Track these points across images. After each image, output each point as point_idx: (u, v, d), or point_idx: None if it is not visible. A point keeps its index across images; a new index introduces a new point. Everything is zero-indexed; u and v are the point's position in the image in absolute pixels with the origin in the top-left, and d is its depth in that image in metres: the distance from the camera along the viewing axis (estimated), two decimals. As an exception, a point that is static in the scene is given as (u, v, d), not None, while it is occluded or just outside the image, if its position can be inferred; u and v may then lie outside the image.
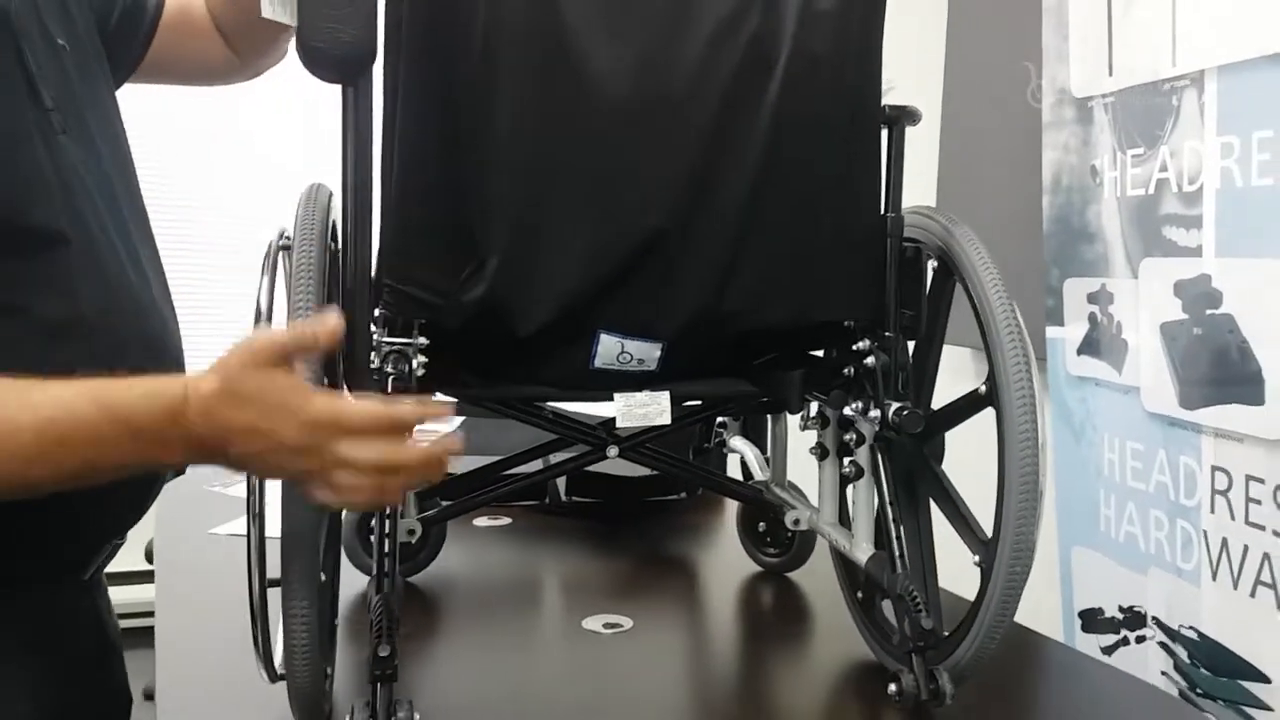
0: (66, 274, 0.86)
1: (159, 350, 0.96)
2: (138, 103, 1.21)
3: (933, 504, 1.01)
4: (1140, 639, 1.48)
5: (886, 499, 0.98)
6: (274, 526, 0.78)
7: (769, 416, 1.32)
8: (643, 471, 1.56)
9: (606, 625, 1.16)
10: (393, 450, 0.72)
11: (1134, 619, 1.49)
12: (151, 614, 1.15)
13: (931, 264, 0.98)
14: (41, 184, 0.86)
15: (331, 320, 0.72)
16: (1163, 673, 1.43)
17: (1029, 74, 1.80)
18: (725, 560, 1.43)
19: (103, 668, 1.03)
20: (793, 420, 1.19)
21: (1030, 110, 1.77)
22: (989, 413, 0.92)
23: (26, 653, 0.89)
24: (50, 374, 0.73)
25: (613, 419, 1.00)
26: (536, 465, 1.27)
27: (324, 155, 0.99)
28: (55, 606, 0.95)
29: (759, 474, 1.31)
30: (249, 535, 0.81)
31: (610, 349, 0.96)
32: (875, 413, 0.97)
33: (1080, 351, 1.57)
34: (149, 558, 1.48)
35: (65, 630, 0.96)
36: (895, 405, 0.96)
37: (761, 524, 1.37)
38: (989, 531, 0.92)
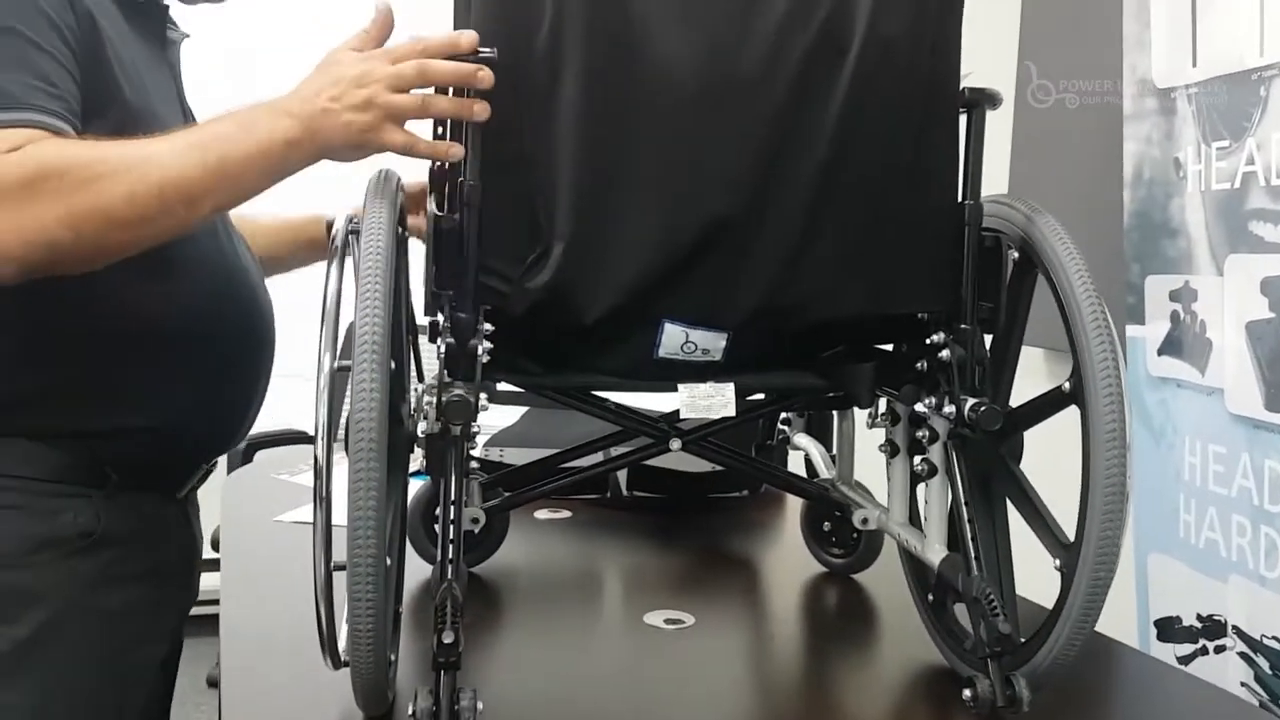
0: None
1: (251, 307, 1.18)
2: (209, 90, 1.24)
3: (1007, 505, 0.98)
4: (1219, 649, 1.43)
5: (961, 499, 0.95)
6: (340, 514, 0.78)
7: (834, 413, 1.29)
8: (705, 467, 1.55)
9: (668, 621, 1.14)
10: (430, 63, 0.89)
11: (1213, 628, 1.44)
12: (215, 601, 1.16)
13: (1012, 255, 0.95)
14: None
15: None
16: (1242, 684, 1.38)
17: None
18: (788, 559, 1.41)
19: (189, 574, 1.25)
20: (858, 417, 1.17)
21: (1108, 105, 1.73)
22: (1062, 414, 0.89)
23: (125, 553, 1.10)
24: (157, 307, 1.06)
25: (676, 412, 0.99)
26: (598, 458, 1.25)
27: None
28: (156, 516, 1.15)
29: (824, 472, 1.28)
30: (315, 521, 0.81)
31: (674, 338, 0.94)
32: (950, 408, 0.94)
33: (1161, 351, 1.52)
34: (214, 545, 1.49)
35: (162, 539, 1.17)
36: (971, 401, 0.92)
37: (826, 523, 1.34)
38: (1070, 535, 0.88)
